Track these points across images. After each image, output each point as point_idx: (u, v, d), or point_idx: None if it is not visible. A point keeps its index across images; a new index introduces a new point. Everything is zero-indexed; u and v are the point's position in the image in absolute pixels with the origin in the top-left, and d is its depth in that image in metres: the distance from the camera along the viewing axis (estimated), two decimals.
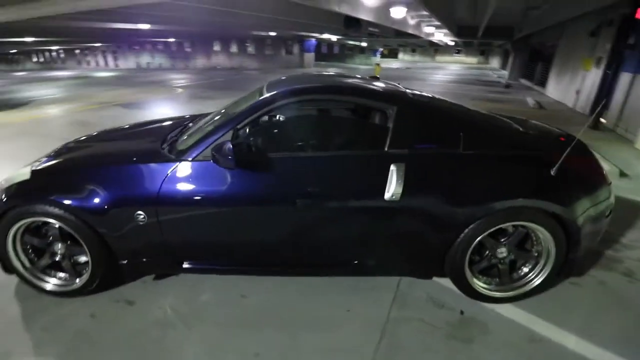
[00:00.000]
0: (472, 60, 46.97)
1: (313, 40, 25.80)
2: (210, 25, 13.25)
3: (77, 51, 38.30)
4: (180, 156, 1.90)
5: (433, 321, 1.93)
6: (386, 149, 1.84)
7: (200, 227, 1.95)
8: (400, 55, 53.51)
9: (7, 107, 9.95)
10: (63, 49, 38.29)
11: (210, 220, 1.93)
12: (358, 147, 1.90)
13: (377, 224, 1.87)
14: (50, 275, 2.11)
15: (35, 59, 42.95)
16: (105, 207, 1.86)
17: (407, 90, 2.18)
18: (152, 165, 1.93)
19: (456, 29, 18.62)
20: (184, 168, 1.87)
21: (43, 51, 40.48)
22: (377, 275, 2.22)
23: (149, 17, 11.25)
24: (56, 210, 1.86)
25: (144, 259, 2.04)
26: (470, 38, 20.18)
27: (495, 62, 37.51)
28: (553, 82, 11.78)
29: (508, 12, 11.95)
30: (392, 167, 1.79)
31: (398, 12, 8.80)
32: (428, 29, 16.75)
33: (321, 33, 19.45)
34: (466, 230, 1.83)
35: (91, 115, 8.15)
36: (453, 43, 30.46)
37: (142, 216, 1.87)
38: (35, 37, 16.93)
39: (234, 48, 28.65)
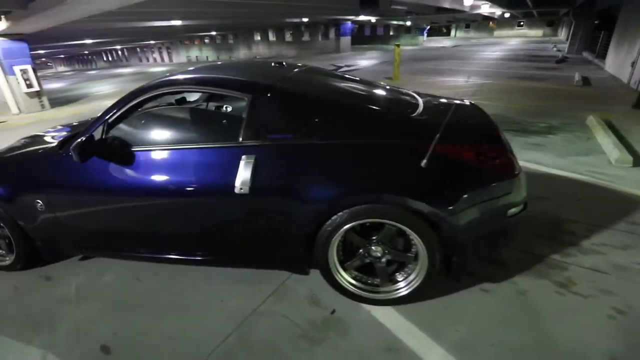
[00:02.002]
0: (536, 32, 41.77)
1: (349, 23, 25.01)
2: (224, 17, 13.51)
3: (138, 49, 41.88)
4: (65, 150, 2.03)
5: (296, 318, 1.84)
6: (240, 140, 1.76)
7: (83, 214, 2.08)
8: (453, 33, 49.58)
9: (61, 104, 11.38)
10: (126, 48, 42.14)
11: (88, 209, 2.06)
12: (216, 139, 1.84)
13: (232, 216, 1.82)
14: None
15: (105, 58, 47.99)
16: (13, 196, 2.12)
17: (285, 75, 2.03)
18: (44, 158, 2.13)
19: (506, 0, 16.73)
20: (65, 161, 2.00)
21: (110, 51, 44.99)
22: (249, 268, 2.18)
23: (178, 14, 11.85)
24: None
25: (51, 242, 2.25)
26: (523, 8, 17.94)
27: (563, 34, 32.94)
28: (612, 54, 10.08)
29: None
30: (242, 159, 1.72)
31: None
32: (468, 1, 15.19)
33: (354, 15, 18.74)
34: (325, 225, 1.70)
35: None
36: (508, 15, 27.30)
37: (39, 204, 2.08)
38: (92, 38, 18.92)
39: (272, 37, 29.02)
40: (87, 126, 2.03)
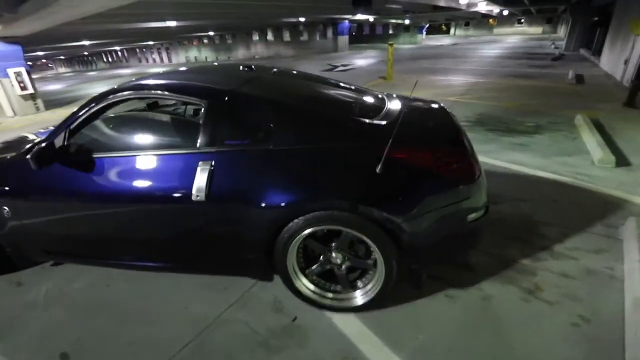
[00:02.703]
0: (535, 30, 41.53)
1: (346, 22, 24.92)
2: (218, 18, 13.49)
3: (137, 50, 41.90)
4: (30, 157, 2.02)
5: (257, 326, 1.83)
6: (198, 146, 1.74)
7: (49, 221, 2.07)
8: (452, 31, 49.38)
9: (57, 106, 11.41)
10: (125, 49, 42.17)
11: (53, 216, 2.04)
12: (175, 145, 1.83)
13: (192, 223, 1.81)
14: None
15: (105, 59, 48.06)
16: None
17: (246, 80, 2.01)
18: (10, 164, 2.12)
19: None
20: (30, 168, 1.99)
21: (110, 52, 45.03)
22: (213, 274, 2.16)
23: (171, 15, 11.84)
24: None
25: (20, 249, 2.24)
26: (521, 6, 17.83)
27: (562, 31, 32.73)
28: (607, 51, 10.00)
29: None
30: (199, 166, 1.71)
31: None
32: (464, 0, 15.10)
33: (351, 14, 18.68)
34: (283, 231, 1.69)
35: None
36: (507, 12, 27.14)
37: (6, 210, 2.07)
38: (90, 40, 18.93)
39: (270, 37, 28.98)
40: (49, 134, 2.02)
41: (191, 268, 2.07)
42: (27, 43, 9.63)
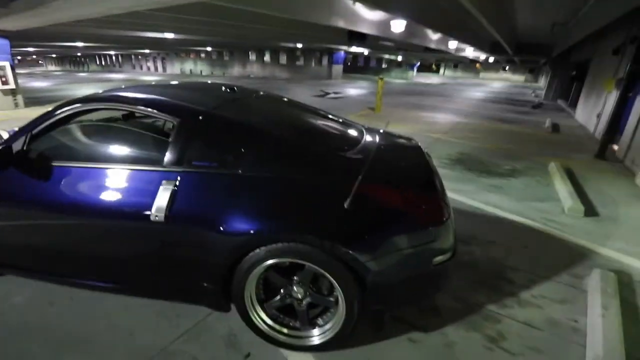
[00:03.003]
0: (519, 78, 44.13)
1: (342, 53, 25.83)
2: (220, 35, 13.77)
3: (132, 56, 41.92)
4: None
5: None
6: (163, 164, 1.68)
7: None
8: (442, 71, 51.84)
9: (38, 104, 11.08)
10: (120, 54, 42.12)
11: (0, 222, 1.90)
12: (138, 161, 1.76)
13: (148, 244, 1.70)
14: None
15: (98, 62, 47.74)
16: None
17: (223, 102, 1.99)
18: None
19: (488, 46, 17.65)
20: None
21: (104, 55, 44.85)
22: (166, 300, 2.03)
23: (169, 28, 11.96)
24: None
25: None
26: (505, 55, 18.96)
27: (543, 81, 34.87)
28: (581, 104, 10.63)
29: (535, 30, 11.07)
30: (162, 185, 1.63)
31: (398, 26, 8.46)
32: (453, 45, 15.94)
33: (346, 46, 19.40)
34: (242, 261, 1.60)
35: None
36: (493, 59, 28.80)
37: None
38: (83, 42, 18.81)
39: (267, 58, 29.60)
40: (8, 137, 1.91)
41: (143, 291, 1.93)
42: (17, 38, 9.47)
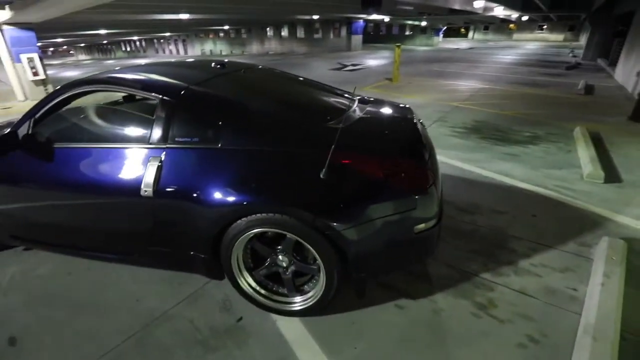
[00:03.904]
0: (557, 37, 40.47)
1: (361, 22, 24.72)
2: (230, 13, 13.54)
3: (155, 41, 42.53)
4: None
5: (200, 324, 1.83)
6: (149, 141, 1.75)
7: (14, 206, 2.12)
8: (471, 34, 48.53)
9: None
10: (143, 39, 42.85)
11: (17, 201, 2.09)
12: (129, 140, 1.84)
13: (141, 217, 1.81)
14: None
15: (123, 49, 48.95)
16: None
17: (208, 77, 2.01)
18: None
19: (520, 3, 16.23)
20: None
21: (129, 41, 45.83)
22: (165, 269, 2.17)
23: (184, 8, 11.95)
24: None
25: None
26: (539, 12, 17.38)
27: (584, 39, 31.79)
28: (622, 62, 9.66)
29: None
30: (149, 161, 1.72)
31: None
32: (479, 4, 14.78)
33: (364, 14, 18.52)
34: (227, 231, 1.68)
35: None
36: (527, 18, 26.49)
37: None
38: (105, 29, 19.28)
39: (284, 33, 29.00)
40: (16, 121, 2.06)
41: (144, 262, 2.08)
42: (42, 29, 9.86)
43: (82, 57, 57.11)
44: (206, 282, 2.12)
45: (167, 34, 35.04)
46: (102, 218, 1.94)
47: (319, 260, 1.62)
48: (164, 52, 42.99)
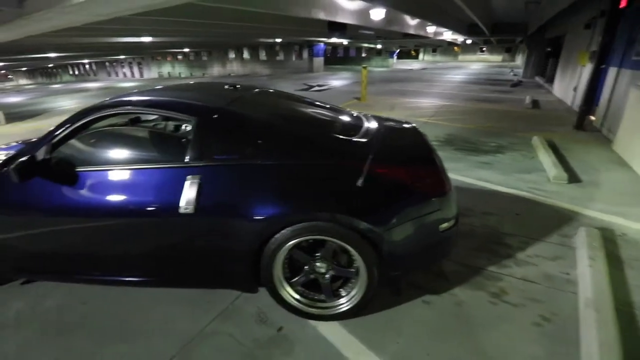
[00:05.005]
0: (496, 58, 44.98)
1: (322, 45, 25.82)
2: (201, 35, 13.68)
3: (107, 63, 40.83)
4: (7, 170, 1.97)
5: (242, 338, 1.85)
6: (186, 160, 1.80)
7: (23, 237, 2.01)
8: (421, 56, 52.32)
9: (19, 119, 10.82)
10: (94, 62, 40.98)
11: (31, 231, 1.99)
12: (161, 159, 1.88)
13: (178, 236, 1.83)
14: None
15: (71, 72, 46.30)
16: None
17: (233, 98, 2.12)
18: None
19: (465, 28, 17.98)
20: (7, 181, 1.94)
21: (77, 64, 43.54)
22: (196, 288, 2.18)
23: (147, 31, 11.79)
24: None
25: None
26: (482, 36, 19.36)
27: (520, 60, 35.67)
28: (558, 79, 11.04)
29: (509, 8, 11.36)
30: (187, 179, 1.76)
31: (377, 14, 8.61)
32: (431, 29, 16.22)
33: (326, 37, 19.44)
34: (269, 243, 1.76)
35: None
36: (470, 41, 29.31)
37: None
38: (56, 52, 18.32)
39: (246, 55, 29.34)
40: (30, 146, 2.00)
41: (176, 282, 2.07)
42: None
43: (23, 81, 53.07)
44: (235, 297, 2.14)
45: (122, 57, 33.84)
46: (132, 240, 1.91)
47: (360, 263, 1.75)
48: (116, 75, 41.34)
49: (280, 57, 27.73)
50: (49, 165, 1.92)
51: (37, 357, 1.80)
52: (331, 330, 1.88)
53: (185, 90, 2.40)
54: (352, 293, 1.86)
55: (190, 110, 1.89)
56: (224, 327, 1.93)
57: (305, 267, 1.90)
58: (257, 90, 2.51)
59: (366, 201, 1.71)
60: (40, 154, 1.93)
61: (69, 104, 14.51)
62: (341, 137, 2.00)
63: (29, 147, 2.03)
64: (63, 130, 1.95)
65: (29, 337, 1.93)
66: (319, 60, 26.58)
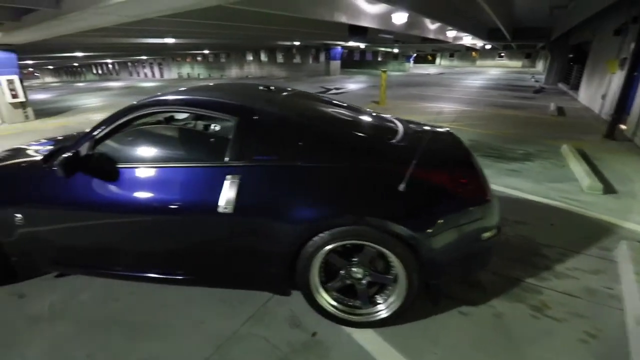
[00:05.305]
0: (515, 64, 44.15)
1: (339, 48, 25.85)
2: (223, 38, 13.88)
3: (129, 64, 41.91)
4: (49, 165, 2.02)
5: (276, 341, 1.83)
6: (225, 160, 1.80)
7: (63, 230, 2.05)
8: (438, 61, 51.83)
9: (46, 115, 11.19)
10: (117, 62, 42.12)
11: (69, 225, 2.03)
12: (201, 158, 1.89)
13: (215, 235, 1.83)
14: None
15: (94, 71, 47.73)
16: None
17: (272, 99, 2.10)
18: (27, 172, 2.12)
19: (485, 33, 17.70)
20: (49, 176, 1.99)
21: (101, 64, 44.83)
22: (229, 288, 2.16)
23: (172, 33, 12.04)
24: None
25: (28, 258, 2.18)
26: (503, 41, 19.02)
27: (541, 66, 34.90)
28: (584, 86, 10.72)
29: (533, 13, 11.13)
30: (227, 179, 1.76)
31: (399, 18, 8.55)
32: (451, 33, 16.02)
33: (344, 41, 19.46)
34: (307, 246, 1.73)
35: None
36: (490, 46, 28.85)
37: (19, 218, 2.03)
38: (84, 52, 18.93)
39: (264, 57, 29.63)
40: (74, 141, 2.04)
41: (210, 281, 2.06)
42: (20, 52, 9.55)
43: (48, 79, 55.00)
44: (266, 299, 2.12)
45: (144, 57, 34.69)
46: (168, 238, 1.92)
47: (399, 269, 1.70)
48: (138, 75, 42.35)
49: (297, 59, 27.89)
50: (91, 161, 1.95)
51: (70, 352, 1.81)
52: (366, 338, 1.84)
53: (222, 90, 2.41)
54: (390, 300, 1.82)
55: (231, 110, 1.89)
56: (257, 330, 1.91)
57: (341, 271, 1.86)
58: (291, 91, 2.51)
59: (408, 206, 1.67)
60: (83, 150, 1.97)
61: (93, 102, 14.93)
62: (381, 140, 1.96)
63: (70, 143, 2.07)
64: (106, 127, 1.98)
65: (63, 331, 1.95)
66: (335, 64, 26.61)
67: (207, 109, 1.92)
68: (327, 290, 1.88)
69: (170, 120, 2.82)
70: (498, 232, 1.87)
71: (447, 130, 2.46)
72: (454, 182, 1.74)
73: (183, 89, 2.42)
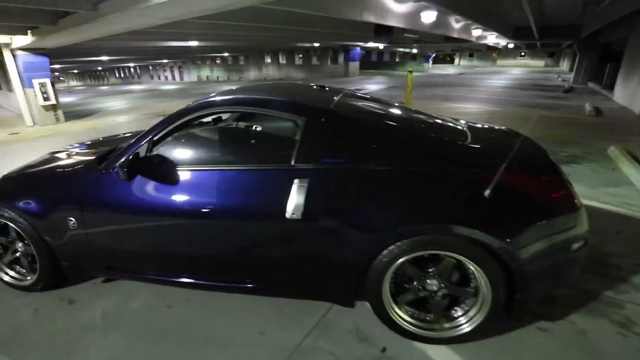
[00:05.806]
0: (538, 63, 42.87)
1: (358, 49, 25.70)
2: (248, 40, 13.95)
3: (150, 67, 42.95)
4: (105, 167, 1.97)
5: (344, 356, 1.72)
6: (292, 163, 1.71)
7: (119, 235, 2.00)
8: (457, 61, 50.91)
9: (74, 118, 11.50)
10: (138, 66, 43.24)
11: (126, 229, 1.97)
12: (266, 161, 1.80)
13: (282, 242, 1.74)
14: (11, 269, 2.32)
15: (117, 75, 49.15)
16: (44, 212, 2.03)
17: (334, 99, 1.99)
18: (80, 175, 2.09)
19: (511, 31, 17.21)
20: (105, 179, 1.95)
21: (123, 68, 46.15)
22: (291, 298, 2.06)
23: (197, 35, 12.20)
24: (11, 214, 2.06)
25: (79, 262, 2.15)
26: (529, 39, 18.45)
27: (565, 65, 33.76)
28: (620, 85, 10.22)
29: (564, 9, 10.70)
30: (295, 183, 1.66)
31: (428, 17, 8.35)
32: (476, 32, 15.61)
33: (364, 42, 19.31)
34: (381, 255, 1.61)
35: (137, 125, 9.00)
36: (512, 45, 28.07)
37: (72, 222, 2.00)
38: (109, 56, 19.46)
39: (282, 59, 29.77)
40: (129, 144, 1.98)
41: (271, 290, 1.97)
42: (50, 56, 9.84)
43: (73, 82, 56.98)
44: (326, 311, 2.02)
45: (165, 61, 35.45)
46: (229, 244, 1.83)
47: (483, 282, 1.57)
48: (158, 78, 43.35)
49: (315, 61, 27.89)
50: (150, 164, 1.90)
51: None
52: (441, 355, 1.71)
53: (277, 90, 2.32)
54: (471, 314, 1.68)
55: (299, 110, 1.80)
56: (322, 344, 1.80)
57: (414, 282, 1.74)
58: (347, 92, 2.40)
59: (497, 214, 1.53)
60: (142, 152, 1.91)
61: (118, 104, 15.27)
62: (453, 142, 1.83)
63: (125, 145, 2.02)
64: (163, 128, 1.92)
65: (119, 341, 1.88)
66: (354, 65, 26.46)
67: (272, 109, 1.83)
68: (397, 303, 1.76)
69: (216, 121, 2.76)
70: (586, 243, 1.71)
71: (518, 132, 2.30)
72: (543, 188, 1.60)
73: (231, 88, 2.35)
